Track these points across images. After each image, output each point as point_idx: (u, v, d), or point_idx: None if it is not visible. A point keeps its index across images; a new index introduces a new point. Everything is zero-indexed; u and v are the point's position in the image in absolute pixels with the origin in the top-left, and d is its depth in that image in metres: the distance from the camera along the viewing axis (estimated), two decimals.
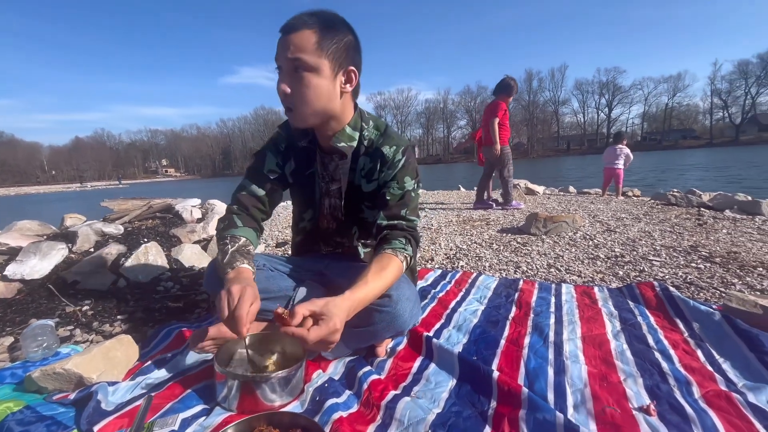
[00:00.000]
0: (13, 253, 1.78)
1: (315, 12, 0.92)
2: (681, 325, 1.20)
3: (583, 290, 1.55)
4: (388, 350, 1.10)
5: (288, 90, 0.91)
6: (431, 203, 5.03)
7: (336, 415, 0.78)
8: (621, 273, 1.83)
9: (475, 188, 4.48)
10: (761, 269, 1.76)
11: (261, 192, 1.13)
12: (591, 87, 73.77)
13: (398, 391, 0.89)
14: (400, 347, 1.12)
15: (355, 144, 1.07)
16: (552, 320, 1.28)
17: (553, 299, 1.47)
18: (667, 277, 1.74)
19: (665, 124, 69.47)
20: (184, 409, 0.83)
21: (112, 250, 1.83)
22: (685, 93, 69.74)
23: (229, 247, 1.01)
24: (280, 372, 0.85)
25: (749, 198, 3.64)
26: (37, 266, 1.66)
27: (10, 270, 1.62)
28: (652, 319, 1.26)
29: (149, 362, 1.06)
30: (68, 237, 1.92)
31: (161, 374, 1.00)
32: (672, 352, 1.05)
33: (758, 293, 1.51)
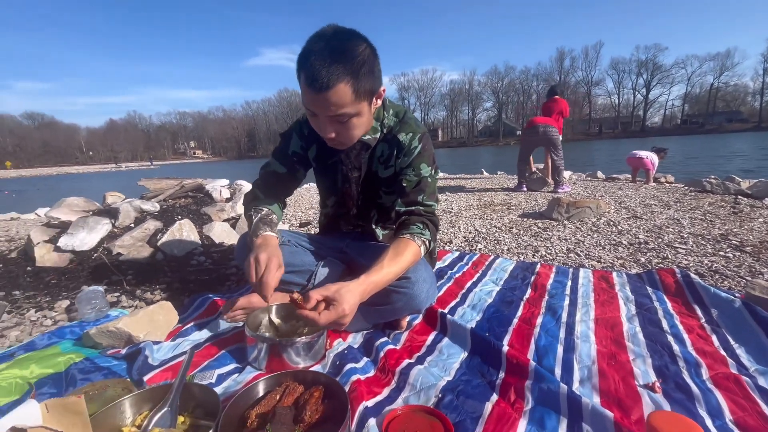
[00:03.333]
0: (63, 227, 1.95)
1: (333, 47, 0.82)
2: (698, 311, 1.20)
3: (601, 275, 1.56)
4: (405, 324, 1.16)
5: (334, 135, 0.92)
6: (453, 186, 5.01)
7: (354, 377, 0.86)
8: (643, 259, 1.81)
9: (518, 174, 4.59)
10: None
11: (283, 170, 1.20)
12: (628, 66, 69.58)
13: (412, 360, 0.96)
14: (416, 322, 1.18)
15: (378, 135, 1.09)
16: (566, 302, 1.30)
17: (569, 283, 1.48)
18: (691, 264, 1.71)
19: (709, 106, 64.73)
20: (220, 366, 0.93)
21: (150, 226, 1.97)
22: (734, 72, 64.65)
23: (254, 217, 1.10)
24: (303, 337, 0.93)
25: None
26: (86, 239, 1.82)
27: (63, 242, 1.79)
28: (669, 304, 1.26)
29: (187, 326, 1.17)
30: (111, 213, 2.07)
31: (198, 337, 1.11)
32: (685, 336, 1.06)
33: None
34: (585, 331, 1.10)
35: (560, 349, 1.00)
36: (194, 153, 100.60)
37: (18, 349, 1.06)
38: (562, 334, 1.08)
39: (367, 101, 0.91)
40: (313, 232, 1.54)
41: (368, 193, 1.22)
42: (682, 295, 1.31)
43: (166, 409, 0.70)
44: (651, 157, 4.80)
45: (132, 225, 2.02)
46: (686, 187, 4.19)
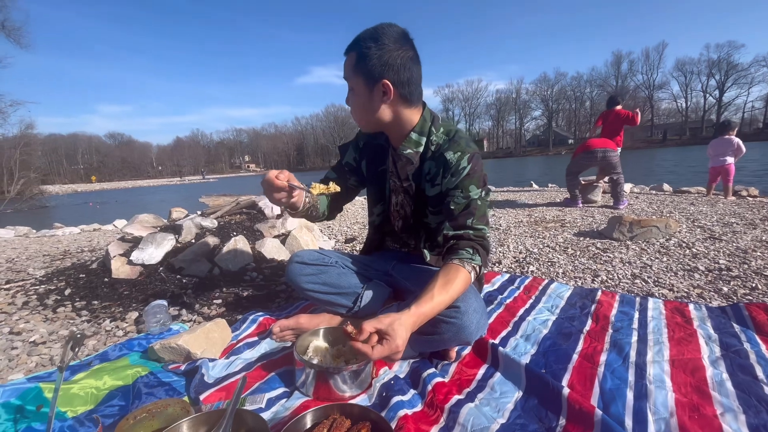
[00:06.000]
0: (136, 242, 2.14)
1: (371, 31, 0.98)
2: None
3: (674, 307, 1.39)
4: (454, 355, 1.11)
5: (347, 105, 1.09)
6: (500, 201, 4.84)
7: (402, 413, 0.83)
8: (726, 289, 1.59)
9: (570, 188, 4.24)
10: None
11: (333, 176, 1.28)
12: (697, 67, 62.99)
13: (462, 396, 0.91)
14: (465, 352, 1.13)
15: (421, 149, 1.09)
16: (634, 338, 1.17)
17: (636, 314, 1.34)
18: None
19: None
20: (269, 390, 0.95)
21: (209, 241, 2.10)
22: None
23: None
24: (351, 366, 0.92)
25: None
26: (154, 254, 1.98)
27: (134, 256, 1.96)
28: (763, 347, 1.09)
29: (239, 344, 1.21)
30: (175, 229, 2.24)
31: (249, 356, 1.15)
32: None
33: None
34: (659, 375, 0.98)
35: (630, 395, 0.90)
36: (248, 166, 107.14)
37: (94, 359, 1.16)
38: (631, 377, 0.97)
39: (362, 81, 0.99)
40: (357, 249, 1.55)
41: (416, 211, 1.21)
42: None
43: None
44: (737, 149, 4.29)
45: (193, 240, 2.16)
46: None
